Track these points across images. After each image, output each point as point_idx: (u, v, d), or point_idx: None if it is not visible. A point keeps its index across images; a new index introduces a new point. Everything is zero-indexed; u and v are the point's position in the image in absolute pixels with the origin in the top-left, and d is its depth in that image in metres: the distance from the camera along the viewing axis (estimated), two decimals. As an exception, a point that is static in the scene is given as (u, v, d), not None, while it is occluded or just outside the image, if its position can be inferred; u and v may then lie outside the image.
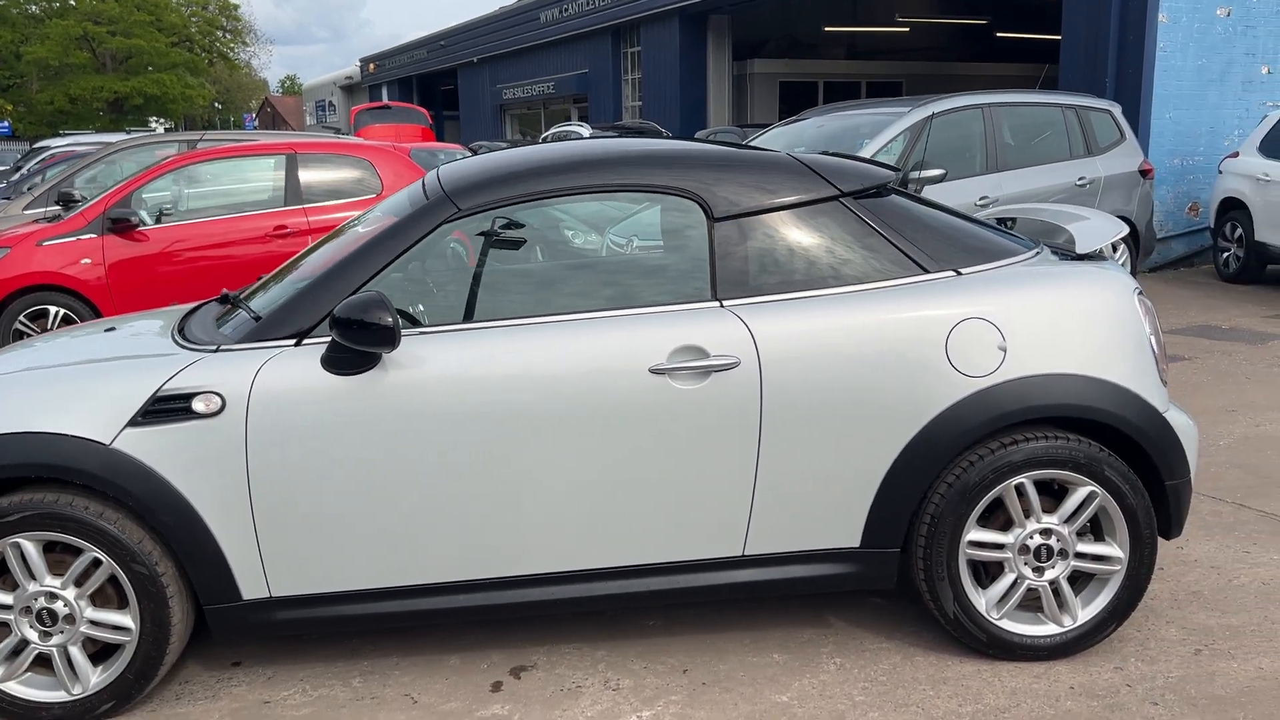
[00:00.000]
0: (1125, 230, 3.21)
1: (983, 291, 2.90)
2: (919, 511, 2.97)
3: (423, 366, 2.76)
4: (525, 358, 2.78)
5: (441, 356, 2.77)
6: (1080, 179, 8.18)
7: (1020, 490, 2.92)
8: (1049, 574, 2.97)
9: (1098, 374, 2.89)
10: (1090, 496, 2.93)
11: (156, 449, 2.71)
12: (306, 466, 2.75)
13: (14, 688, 2.81)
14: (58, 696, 2.81)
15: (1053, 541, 2.96)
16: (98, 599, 2.79)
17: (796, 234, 2.96)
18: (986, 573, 3.03)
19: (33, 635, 2.78)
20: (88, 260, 7.25)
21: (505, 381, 2.77)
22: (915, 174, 7.17)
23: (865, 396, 2.85)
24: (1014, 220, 3.75)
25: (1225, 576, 3.52)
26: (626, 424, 2.80)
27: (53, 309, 7.07)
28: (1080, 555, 2.98)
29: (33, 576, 2.74)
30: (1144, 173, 8.66)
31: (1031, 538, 2.95)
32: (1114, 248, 8.19)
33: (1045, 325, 2.89)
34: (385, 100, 20.10)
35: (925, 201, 3.46)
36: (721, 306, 2.86)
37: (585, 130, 16.81)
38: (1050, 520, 2.95)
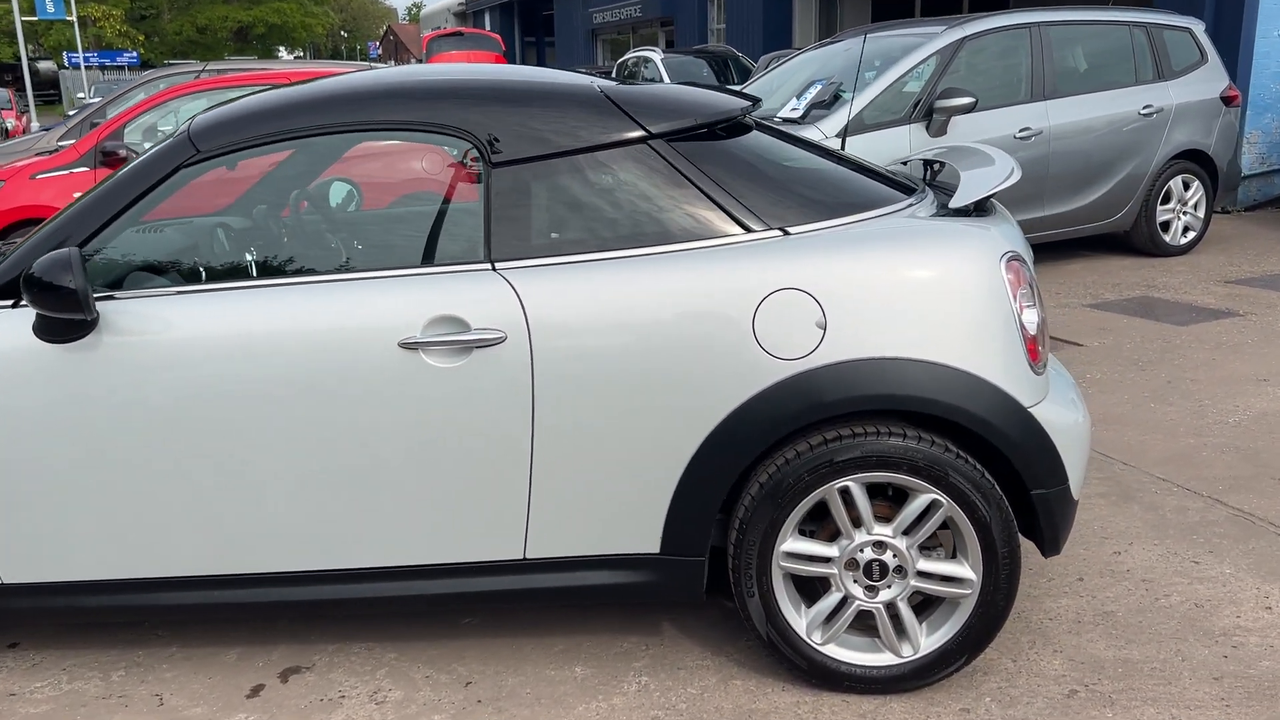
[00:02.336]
0: (1010, 180, 2.61)
1: (806, 256, 2.39)
2: (730, 517, 2.52)
3: (141, 336, 2.42)
4: (256, 328, 2.41)
5: (162, 325, 2.43)
6: (1146, 107, 7.27)
7: (847, 495, 2.43)
8: (884, 594, 2.48)
9: (940, 359, 2.35)
10: (933, 506, 2.42)
11: None
12: (18, 445, 2.46)
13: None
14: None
15: (888, 557, 2.46)
16: None
17: (590, 183, 2.49)
18: (815, 591, 2.56)
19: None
20: (79, 194, 7.20)
21: (232, 356, 2.41)
22: (940, 103, 6.46)
23: (658, 380, 2.39)
24: (942, 165, 3.17)
25: (1154, 594, 2.95)
26: (372, 407, 2.41)
27: (44, 244, 7.03)
28: (924, 574, 2.47)
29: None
30: (1227, 100, 7.65)
31: (861, 551, 2.46)
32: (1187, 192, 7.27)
33: (878, 299, 2.36)
34: (459, 27, 19.73)
35: (800, 142, 2.93)
36: (493, 270, 2.43)
37: (657, 56, 16.16)
38: (883, 532, 2.45)
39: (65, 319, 2.38)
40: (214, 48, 52.36)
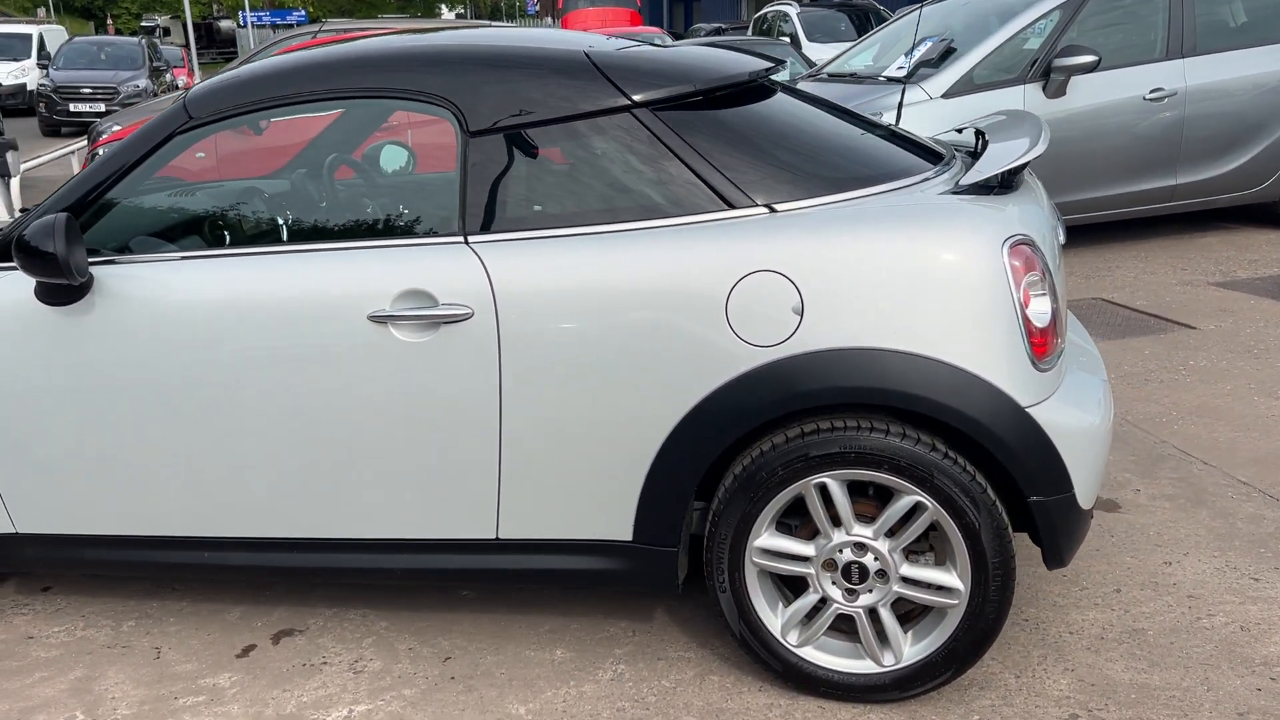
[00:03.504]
0: (1030, 155, 2.36)
1: (786, 236, 2.23)
2: (705, 508, 2.41)
3: (129, 301, 2.47)
4: (239, 295, 2.42)
5: (149, 290, 2.47)
6: (1301, 65, 6.58)
7: (825, 492, 2.28)
8: (865, 599, 2.33)
9: (925, 351, 2.16)
10: (917, 508, 2.24)
11: None
12: (25, 403, 2.55)
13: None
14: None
15: (868, 560, 2.30)
16: None
17: (568, 154, 2.38)
18: (794, 590, 2.42)
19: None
20: (201, 155, 7.49)
21: (213, 323, 2.43)
22: (1059, 61, 6.02)
23: (626, 362, 2.28)
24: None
25: (1196, 612, 2.67)
26: (343, 379, 2.40)
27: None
28: (908, 580, 2.30)
29: None
30: None
31: (840, 552, 2.31)
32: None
33: (860, 284, 2.18)
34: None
35: (832, 108, 2.76)
36: (466, 244, 2.36)
37: (794, 10, 15.70)
38: (863, 533, 2.29)
39: (51, 283, 2.45)
40: (377, 4, 53.87)
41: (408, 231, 2.52)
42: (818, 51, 13.30)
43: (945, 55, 6.39)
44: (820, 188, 2.34)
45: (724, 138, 2.38)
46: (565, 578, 2.48)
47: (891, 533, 2.29)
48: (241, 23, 43.09)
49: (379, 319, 2.35)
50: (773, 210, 2.29)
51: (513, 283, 2.30)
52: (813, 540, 2.33)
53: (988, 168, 2.39)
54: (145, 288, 2.47)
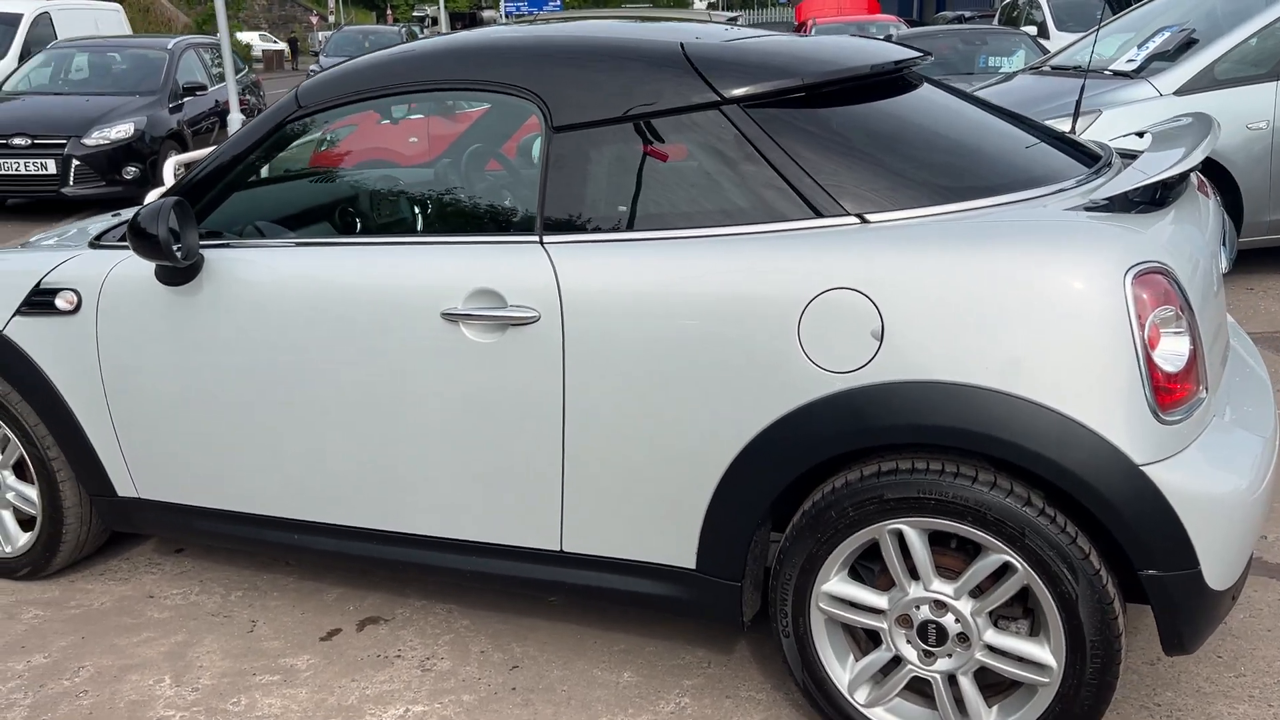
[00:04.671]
0: (1178, 169, 1.99)
1: (871, 251, 1.99)
2: (764, 544, 2.21)
3: (229, 285, 2.54)
4: (324, 285, 2.44)
5: (244, 275, 2.53)
6: None
7: (902, 540, 2.03)
8: (943, 663, 2.06)
9: (1020, 391, 1.87)
10: (1006, 569, 1.96)
11: (35, 337, 2.80)
12: (147, 375, 2.68)
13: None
14: None
15: (948, 620, 2.03)
16: None
17: (650, 153, 2.23)
18: (865, 645, 2.18)
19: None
20: (414, 139, 7.81)
21: (298, 311, 2.46)
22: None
23: (692, 379, 2.12)
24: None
25: (1379, 723, 2.22)
26: (413, 374, 2.36)
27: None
28: (993, 649, 2.02)
29: None
30: None
31: (917, 608, 2.05)
32: None
33: (950, 309, 1.91)
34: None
35: (984, 106, 2.48)
36: (540, 243, 2.27)
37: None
38: (943, 590, 2.02)
39: (159, 264, 2.55)
40: (629, -6, 54.94)
41: (489, 228, 2.46)
42: (1068, 41, 12.36)
43: (1185, 47, 5.73)
44: (924, 197, 2.08)
45: (821, 138, 2.16)
46: (627, 600, 2.35)
47: (977, 592, 2.02)
48: (504, 13, 45.08)
49: (451, 317, 2.29)
50: (864, 220, 2.06)
51: (580, 287, 2.19)
52: (888, 591, 2.09)
53: (1128, 180, 2.05)
54: (244, 271, 2.53)
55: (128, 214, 3.16)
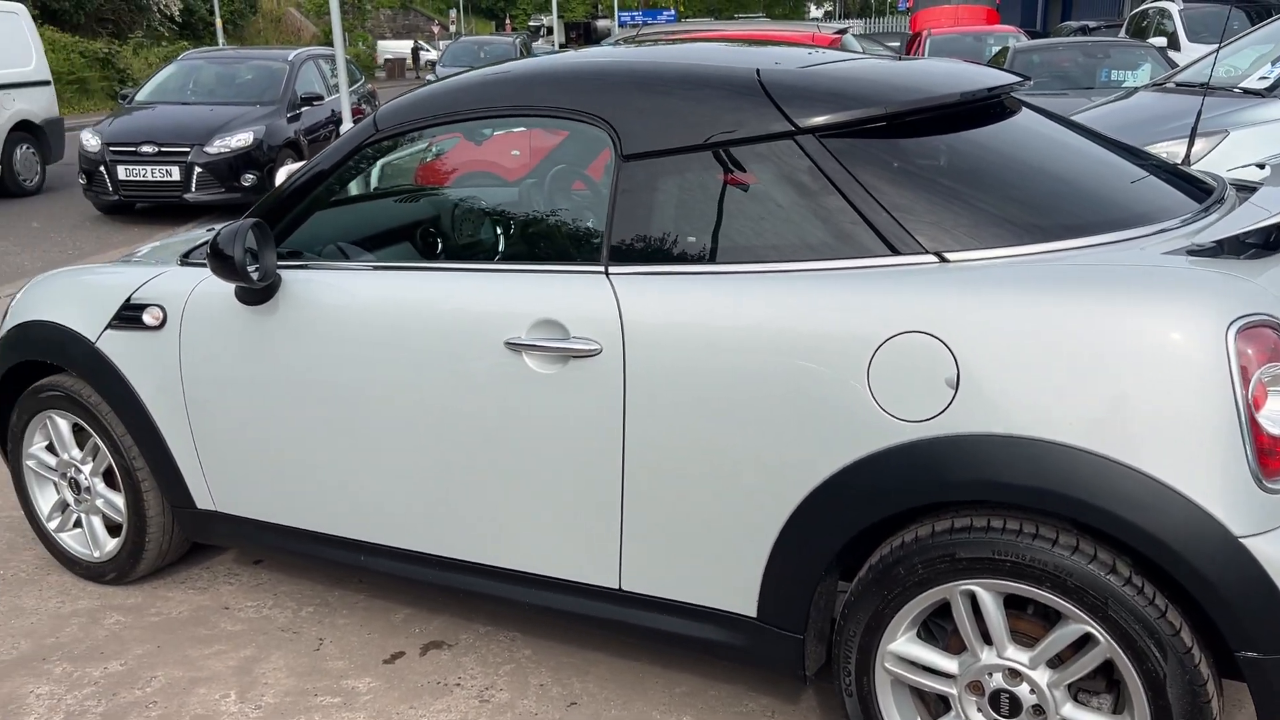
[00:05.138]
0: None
1: (947, 293, 1.87)
2: (832, 596, 2.11)
3: (302, 307, 2.55)
4: (392, 310, 2.43)
5: (315, 296, 2.54)
6: None
7: (975, 601, 1.90)
8: (1016, 736, 1.92)
9: (1108, 450, 1.73)
10: (1088, 640, 1.81)
11: (124, 350, 2.86)
12: (220, 392, 2.72)
13: None
14: None
15: (1022, 691, 1.90)
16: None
17: (720, 184, 2.15)
18: (935, 708, 2.05)
19: None
20: (516, 152, 7.87)
21: (366, 336, 2.45)
22: None
23: (754, 420, 2.03)
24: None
25: None
26: (475, 403, 2.33)
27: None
28: (1070, 725, 1.87)
29: None
30: None
31: (989, 676, 1.92)
32: None
33: (1033, 359, 1.78)
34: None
35: (1087, 133, 2.34)
36: (605, 274, 2.21)
37: (1175, 6, 14.02)
38: (1018, 658, 1.89)
39: (235, 285, 2.57)
40: (747, 5, 54.81)
41: (558, 256, 2.41)
42: (1199, 54, 11.78)
43: (1325, 64, 5.36)
44: (1010, 236, 1.95)
45: (901, 170, 2.05)
46: (687, 644, 2.27)
47: (1056, 662, 1.87)
48: (619, 22, 45.49)
49: (514, 346, 2.25)
50: (943, 259, 1.94)
51: (643, 320, 2.12)
52: (959, 655, 1.96)
53: (1240, 219, 1.89)
54: (316, 293, 2.54)
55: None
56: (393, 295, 2.43)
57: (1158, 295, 1.74)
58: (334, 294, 2.52)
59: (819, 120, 2.09)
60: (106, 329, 2.88)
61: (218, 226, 3.34)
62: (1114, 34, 15.02)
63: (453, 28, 52.36)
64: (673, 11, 46.20)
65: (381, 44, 43.35)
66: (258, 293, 2.59)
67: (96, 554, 3.14)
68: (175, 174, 9.42)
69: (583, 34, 47.86)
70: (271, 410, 2.63)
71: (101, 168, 9.51)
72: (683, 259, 2.14)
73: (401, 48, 44.08)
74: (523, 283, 2.29)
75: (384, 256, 2.81)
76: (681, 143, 2.18)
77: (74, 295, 2.99)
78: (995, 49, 12.22)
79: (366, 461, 2.53)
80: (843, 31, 9.21)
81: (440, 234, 3.01)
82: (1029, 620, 1.91)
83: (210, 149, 9.44)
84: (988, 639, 1.92)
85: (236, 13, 35.84)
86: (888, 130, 2.13)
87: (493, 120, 2.48)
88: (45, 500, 3.23)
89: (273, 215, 2.66)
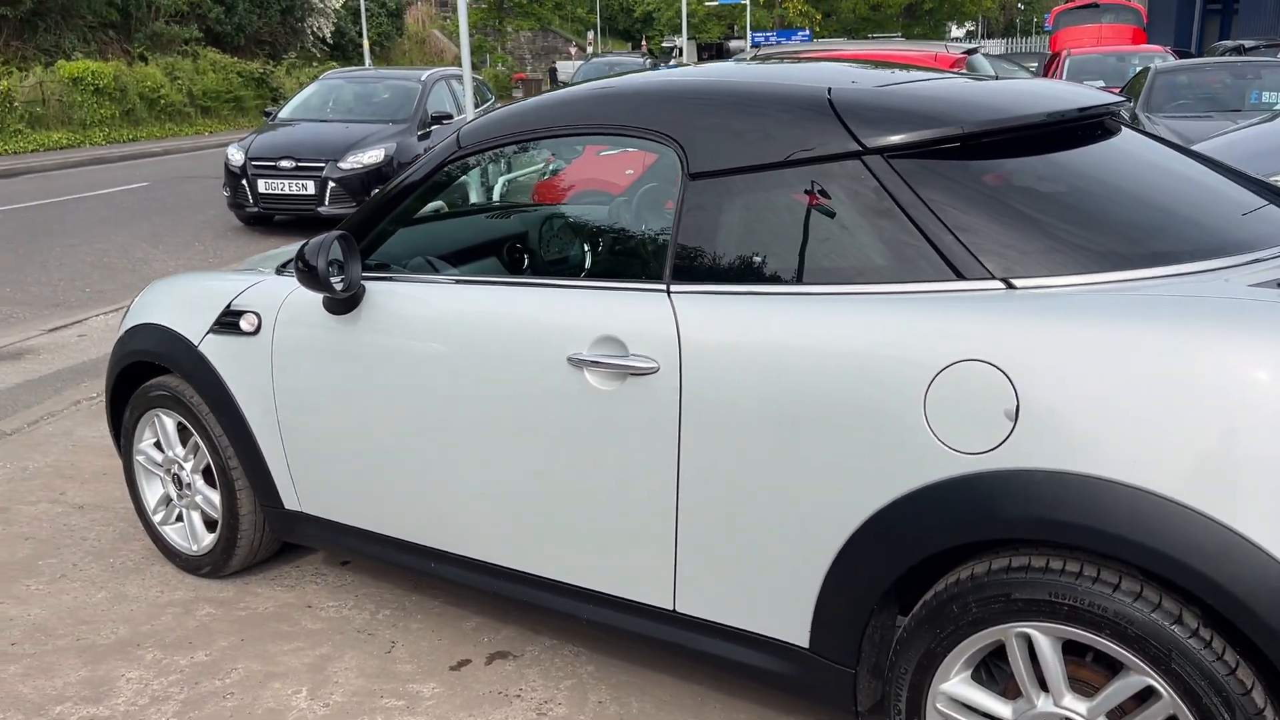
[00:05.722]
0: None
1: (1011, 320, 1.79)
2: (887, 630, 2.03)
3: (383, 319, 2.62)
4: (463, 322, 2.47)
5: (395, 308, 2.60)
6: None
7: (1032, 644, 1.81)
8: (1072, 791, 1.82)
9: (1175, 494, 1.62)
10: (1150, 693, 1.70)
11: (223, 354, 3.00)
12: (307, 397, 2.82)
13: None
14: None
15: (1079, 742, 1.79)
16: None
17: (787, 204, 2.12)
18: (992, 750, 1.96)
19: None
20: (630, 170, 7.93)
21: (441, 348, 2.50)
22: None
23: (808, 444, 1.99)
24: None
25: None
26: (537, 417, 2.35)
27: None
28: (1130, 782, 1.76)
29: None
30: None
31: (1044, 724, 1.82)
32: None
33: (1098, 394, 1.69)
34: (1097, -1, 17.78)
35: (1195, 157, 2.24)
36: (666, 292, 2.20)
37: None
38: (1075, 708, 1.78)
39: (322, 295, 2.66)
40: (884, 25, 54.07)
41: (627, 273, 2.41)
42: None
43: None
44: (1085, 262, 1.86)
45: (971, 192, 1.98)
46: (739, 671, 2.24)
47: (1117, 714, 1.77)
48: (753, 42, 45.52)
49: (576, 362, 2.26)
50: (1010, 285, 1.87)
51: (701, 339, 2.10)
52: (1014, 700, 1.87)
53: (1323, 254, 1.76)
54: (395, 304, 2.60)
55: None
56: (465, 308, 2.48)
57: (1230, 329, 1.63)
58: (411, 305, 2.58)
59: (887, 140, 2.04)
60: (208, 333, 3.02)
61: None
62: (1273, 53, 14.22)
63: (590, 49, 53.31)
64: (808, 31, 45.91)
65: (560, 64, 44.02)
66: (342, 302, 2.67)
67: (194, 548, 3.28)
68: (310, 188, 9.84)
69: (714, 54, 48.06)
70: (351, 417, 2.71)
71: (243, 181, 10.02)
72: (743, 279, 2.12)
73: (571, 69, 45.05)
74: (587, 299, 2.30)
75: (469, 271, 2.87)
76: (747, 161, 2.15)
77: (182, 300, 3.15)
78: (1138, 69, 11.73)
79: (437, 470, 2.58)
80: (971, 52, 8.98)
81: (527, 250, 3.06)
82: (1090, 668, 1.80)
83: (344, 164, 9.84)
84: (1044, 685, 1.82)
85: (384, 34, 37.34)
86: (962, 151, 2.06)
87: (565, 138, 2.50)
88: (152, 494, 3.40)
89: (362, 228, 2.75)
